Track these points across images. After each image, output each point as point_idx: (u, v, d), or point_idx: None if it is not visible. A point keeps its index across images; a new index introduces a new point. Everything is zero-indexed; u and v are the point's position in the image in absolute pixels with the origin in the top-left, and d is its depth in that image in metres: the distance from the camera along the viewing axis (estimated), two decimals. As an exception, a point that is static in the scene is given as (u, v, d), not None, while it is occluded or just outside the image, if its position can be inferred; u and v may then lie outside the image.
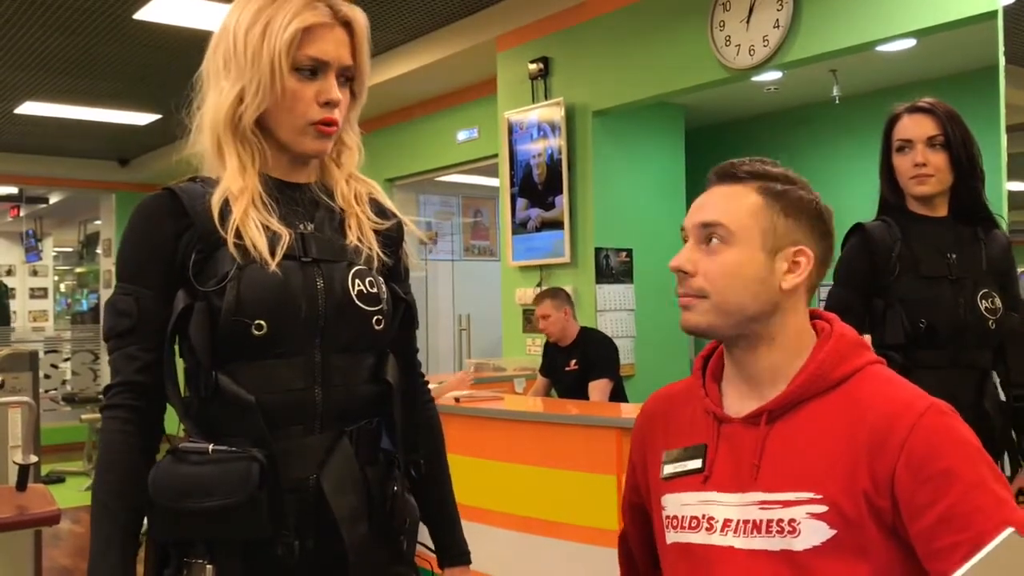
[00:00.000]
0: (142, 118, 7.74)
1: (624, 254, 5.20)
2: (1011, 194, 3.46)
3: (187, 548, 1.21)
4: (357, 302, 1.28)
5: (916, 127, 2.19)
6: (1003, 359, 2.21)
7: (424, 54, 5.78)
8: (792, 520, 1.10)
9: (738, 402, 1.22)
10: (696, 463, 1.21)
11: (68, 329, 11.99)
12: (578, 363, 4.43)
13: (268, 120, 1.28)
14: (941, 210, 2.24)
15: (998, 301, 2.17)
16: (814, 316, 1.25)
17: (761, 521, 1.13)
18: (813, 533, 1.09)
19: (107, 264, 10.40)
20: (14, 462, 2.85)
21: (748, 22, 4.08)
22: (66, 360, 10.40)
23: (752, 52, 4.08)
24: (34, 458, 2.89)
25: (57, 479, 7.71)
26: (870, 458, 1.08)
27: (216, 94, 1.28)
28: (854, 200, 2.92)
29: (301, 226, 1.29)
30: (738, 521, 1.15)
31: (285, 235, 1.25)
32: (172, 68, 6.02)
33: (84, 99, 7.17)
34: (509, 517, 3.36)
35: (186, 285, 1.23)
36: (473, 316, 7.54)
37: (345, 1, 1.32)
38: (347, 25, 1.30)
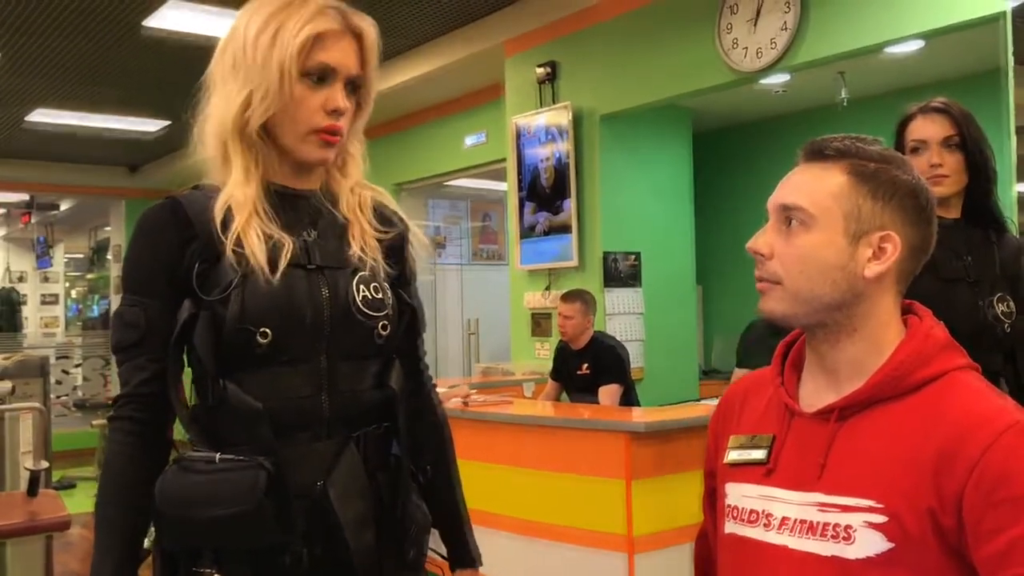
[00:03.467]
0: (152, 125, 7.78)
1: (632, 258, 5.19)
2: (1020, 196, 3.45)
3: (195, 557, 1.21)
4: (362, 308, 1.28)
5: (931, 127, 2.16)
6: (1012, 363, 2.19)
7: (432, 59, 5.80)
8: (848, 527, 1.04)
9: (814, 395, 1.15)
10: (760, 454, 1.16)
11: (79, 335, 12.03)
12: (590, 367, 4.45)
13: (273, 126, 1.28)
14: (954, 212, 2.22)
15: (1012, 305, 2.15)
16: (908, 310, 1.17)
17: (817, 523, 1.07)
18: (868, 543, 1.03)
19: (117, 270, 10.44)
20: (25, 468, 2.87)
21: (755, 25, 4.08)
22: (77, 366, 10.44)
23: (759, 55, 4.08)
24: (45, 464, 2.90)
25: (68, 485, 7.74)
26: (938, 474, 1.01)
27: (223, 99, 1.28)
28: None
29: (304, 233, 1.29)
30: (795, 520, 1.09)
31: (288, 243, 1.25)
32: (181, 76, 6.02)
33: (94, 107, 7.21)
34: (518, 521, 3.36)
35: (191, 295, 1.23)
36: (481, 320, 7.55)
37: (356, 11, 1.32)
38: (357, 35, 1.30)
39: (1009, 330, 2.14)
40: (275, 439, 1.21)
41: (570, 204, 5.01)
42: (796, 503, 1.10)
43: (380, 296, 1.30)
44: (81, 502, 7.07)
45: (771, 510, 1.12)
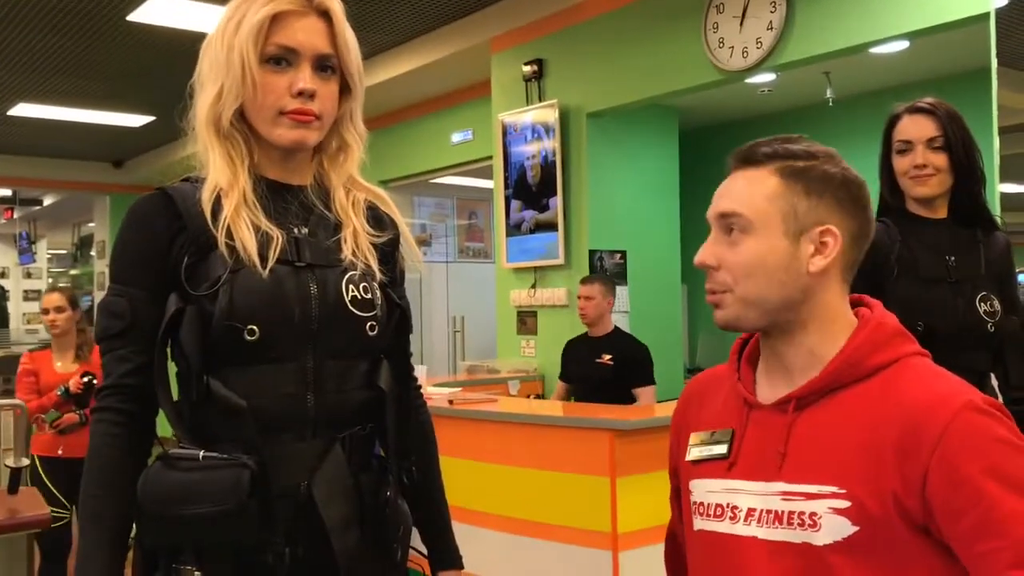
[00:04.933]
0: (136, 120, 7.73)
1: (618, 256, 5.20)
2: (1004, 196, 3.47)
3: (175, 554, 1.20)
4: (351, 308, 1.26)
5: (916, 128, 2.17)
6: (1002, 361, 2.20)
7: (418, 56, 5.79)
8: (813, 514, 1.07)
9: (769, 388, 1.18)
10: (721, 448, 1.18)
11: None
12: (613, 360, 4.29)
13: (248, 116, 1.27)
14: (941, 212, 2.24)
15: (997, 304, 2.17)
16: (859, 303, 1.20)
17: (783, 512, 1.09)
18: (834, 528, 1.05)
19: (101, 266, 10.38)
20: (6, 465, 2.84)
21: (741, 24, 4.09)
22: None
23: (746, 54, 4.09)
24: (26, 461, 2.88)
25: (50, 482, 7.67)
26: (900, 457, 1.03)
27: (203, 96, 1.27)
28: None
29: (295, 230, 1.28)
30: (761, 511, 1.11)
31: (277, 236, 1.23)
32: (166, 69, 6.01)
33: (78, 101, 7.16)
34: (503, 519, 3.36)
35: (178, 288, 1.22)
36: (467, 318, 7.54)
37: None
38: (323, 12, 1.27)
39: (994, 329, 2.15)
40: (259, 437, 1.20)
41: (557, 202, 5.01)
42: (759, 493, 1.12)
43: (370, 296, 1.29)
44: (63, 499, 7.00)
45: (736, 503, 1.14)
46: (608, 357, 4.30)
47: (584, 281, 4.46)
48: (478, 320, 7.40)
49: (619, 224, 5.18)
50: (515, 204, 5.27)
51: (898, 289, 2.17)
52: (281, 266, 1.23)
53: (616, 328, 4.47)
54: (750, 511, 1.12)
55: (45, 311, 4.18)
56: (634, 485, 3.04)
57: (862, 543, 1.04)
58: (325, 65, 1.27)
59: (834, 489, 1.06)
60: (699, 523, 1.19)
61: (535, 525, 3.28)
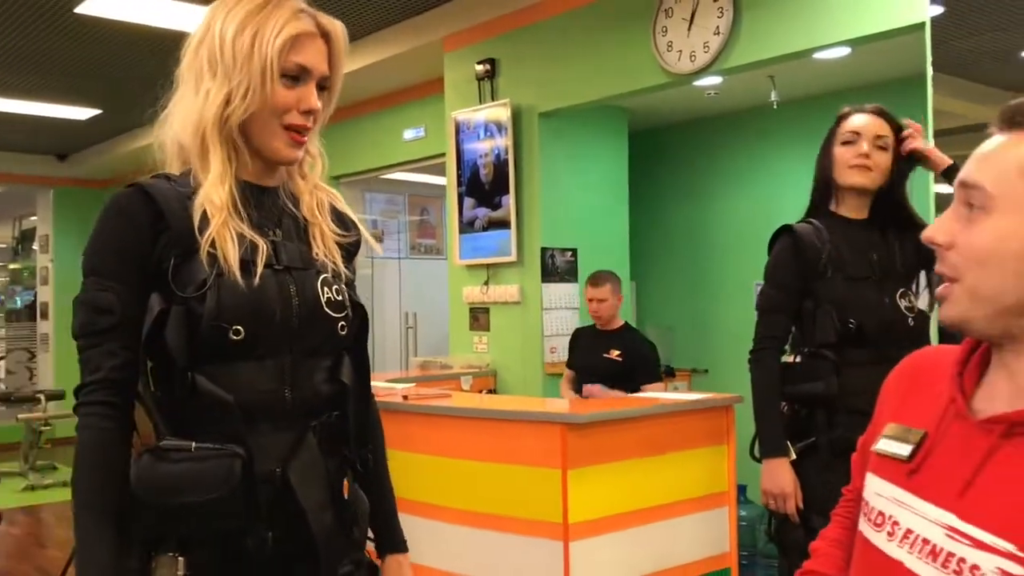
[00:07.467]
0: (82, 113, 7.59)
1: (569, 254, 5.27)
2: (939, 196, 3.61)
3: (157, 543, 1.24)
4: (326, 309, 1.34)
5: (867, 123, 2.32)
6: None
7: (372, 52, 5.80)
8: (975, 567, 0.86)
9: (988, 401, 0.95)
10: (905, 450, 0.99)
11: (2, 327, 11.69)
12: (623, 356, 4.38)
13: (248, 124, 1.32)
14: (863, 212, 2.37)
15: (914, 299, 2.31)
16: None
17: (941, 550, 0.89)
18: None
19: (44, 261, 10.17)
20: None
21: (690, 28, 4.19)
22: (1, 359, 10.15)
23: (693, 58, 4.18)
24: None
25: (-8, 480, 7.53)
26: None
27: (200, 96, 1.31)
28: (789, 201, 3.05)
29: (271, 233, 1.34)
30: (918, 537, 0.93)
31: (262, 245, 1.30)
32: (114, 63, 5.92)
33: (22, 92, 7.02)
34: (458, 512, 3.41)
35: (161, 288, 1.26)
36: (420, 314, 7.56)
37: (325, 14, 1.37)
38: (326, 36, 1.36)
39: (913, 324, 2.29)
40: (244, 429, 1.25)
41: (509, 200, 5.07)
42: (925, 517, 0.94)
43: (341, 298, 1.37)
44: (7, 497, 6.89)
45: (899, 518, 0.97)
46: (617, 353, 4.40)
47: (595, 284, 4.49)
48: (430, 316, 7.42)
49: (570, 222, 5.25)
50: (468, 201, 5.31)
51: (830, 289, 2.29)
52: (263, 269, 1.29)
53: (626, 324, 4.56)
54: (908, 532, 0.95)
55: None
56: (585, 477, 3.11)
57: None
58: (322, 86, 1.36)
59: (1012, 549, 0.84)
60: (861, 524, 1.04)
61: (489, 517, 3.33)
